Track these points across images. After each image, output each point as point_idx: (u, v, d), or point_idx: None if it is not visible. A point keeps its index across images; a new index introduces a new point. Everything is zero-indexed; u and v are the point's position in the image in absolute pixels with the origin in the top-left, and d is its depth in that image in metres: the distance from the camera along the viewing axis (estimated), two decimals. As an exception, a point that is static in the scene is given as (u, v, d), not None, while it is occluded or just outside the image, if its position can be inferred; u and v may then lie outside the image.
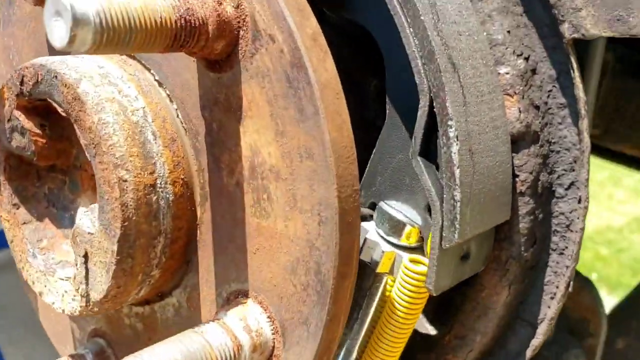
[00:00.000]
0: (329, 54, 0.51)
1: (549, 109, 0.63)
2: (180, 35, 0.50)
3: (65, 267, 0.65)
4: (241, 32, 0.53)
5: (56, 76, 0.59)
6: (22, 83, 0.62)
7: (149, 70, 0.61)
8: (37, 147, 0.64)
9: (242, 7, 0.52)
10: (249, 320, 0.55)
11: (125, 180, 0.55)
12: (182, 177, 0.59)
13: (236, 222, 0.57)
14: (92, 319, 0.74)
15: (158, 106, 0.59)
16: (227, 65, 0.54)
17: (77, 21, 0.43)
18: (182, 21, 0.49)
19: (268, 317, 0.56)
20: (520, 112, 0.61)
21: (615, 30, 0.55)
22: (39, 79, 0.60)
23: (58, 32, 0.44)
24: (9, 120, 0.65)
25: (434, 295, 0.57)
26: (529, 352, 0.67)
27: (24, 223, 0.68)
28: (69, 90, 0.57)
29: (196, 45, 0.51)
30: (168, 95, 0.60)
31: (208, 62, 0.55)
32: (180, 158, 0.59)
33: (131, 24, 0.46)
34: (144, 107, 0.59)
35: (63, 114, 0.59)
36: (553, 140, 0.63)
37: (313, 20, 0.51)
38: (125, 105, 0.58)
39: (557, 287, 0.65)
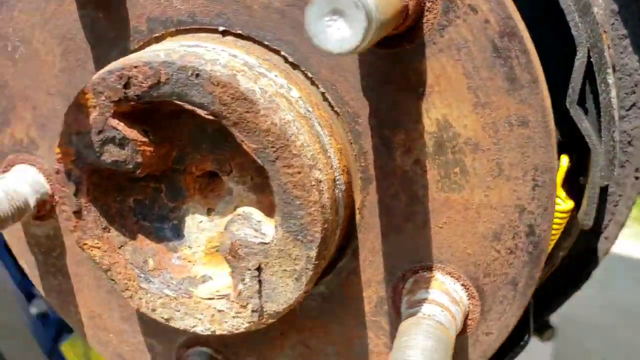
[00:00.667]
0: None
1: (612, 39, 0.69)
2: (404, 16, 0.45)
3: (202, 285, 0.58)
4: (427, 5, 0.49)
5: (197, 74, 0.49)
6: (127, 86, 0.51)
7: (276, 52, 0.55)
8: (145, 158, 0.55)
9: None
10: (451, 292, 0.55)
11: (321, 181, 0.50)
12: (345, 164, 0.55)
13: (415, 200, 0.55)
14: (182, 330, 0.67)
15: (306, 92, 0.54)
16: (404, 41, 0.51)
17: (371, 20, 0.38)
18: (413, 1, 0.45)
19: (462, 284, 0.56)
20: (608, 47, 0.66)
21: None
22: (162, 80, 0.50)
23: (338, 34, 0.38)
24: (100, 132, 0.54)
25: (587, 229, 0.62)
26: (601, 255, 0.76)
27: (121, 247, 0.58)
28: (226, 89, 0.49)
29: (401, 24, 0.47)
30: (309, 79, 0.54)
31: (379, 42, 0.51)
32: (341, 145, 0.55)
33: (391, 14, 0.41)
34: (300, 97, 0.53)
35: (207, 117, 0.51)
36: (617, 68, 0.70)
37: None
38: (289, 98, 0.51)
39: (620, 195, 0.74)
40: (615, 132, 0.58)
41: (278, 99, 0.50)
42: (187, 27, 0.56)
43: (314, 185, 0.50)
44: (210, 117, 0.51)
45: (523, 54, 0.49)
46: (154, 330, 0.69)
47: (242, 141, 0.50)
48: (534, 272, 0.55)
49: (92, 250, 0.59)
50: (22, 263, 0.73)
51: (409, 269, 0.58)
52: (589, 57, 0.56)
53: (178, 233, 0.60)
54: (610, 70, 0.57)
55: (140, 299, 0.59)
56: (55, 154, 0.57)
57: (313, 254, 0.52)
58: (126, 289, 0.59)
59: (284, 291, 0.54)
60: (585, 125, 0.58)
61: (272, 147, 0.50)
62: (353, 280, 0.60)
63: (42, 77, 0.63)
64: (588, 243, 0.77)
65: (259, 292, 0.54)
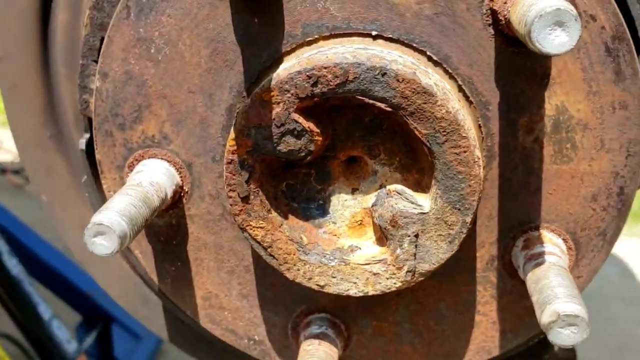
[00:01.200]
0: None
1: None
2: None
3: (355, 252, 0.67)
4: None
5: (384, 72, 0.59)
6: (315, 85, 0.60)
7: (423, 53, 0.65)
8: (317, 146, 0.63)
9: None
10: (560, 245, 0.69)
11: (479, 158, 0.62)
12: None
13: (531, 172, 0.68)
14: (303, 299, 0.75)
15: (446, 83, 0.64)
16: None
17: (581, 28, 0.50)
18: None
19: (563, 239, 0.70)
20: None
21: None
22: (350, 78, 0.59)
23: (558, 40, 0.49)
24: (281, 125, 0.61)
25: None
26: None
27: (280, 225, 0.66)
28: (409, 84, 0.59)
29: None
30: (448, 74, 0.65)
31: (508, 39, 0.63)
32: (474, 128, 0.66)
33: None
34: (448, 88, 0.63)
35: (383, 108, 0.60)
36: None
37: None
38: (450, 89, 0.62)
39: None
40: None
41: (447, 91, 0.61)
42: (341, 32, 0.65)
43: (476, 161, 0.61)
44: (389, 109, 0.60)
45: (628, 53, 0.63)
46: (271, 303, 0.77)
47: (415, 128, 0.61)
48: (621, 223, 0.69)
49: (254, 231, 0.66)
50: (137, 253, 0.77)
51: (519, 230, 0.70)
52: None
53: (323, 211, 0.69)
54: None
55: (299, 270, 0.67)
56: (227, 144, 0.63)
57: (469, 219, 0.63)
58: (285, 262, 0.67)
59: (437, 252, 0.65)
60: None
61: (444, 131, 0.60)
62: (468, 243, 0.71)
63: (184, 76, 0.68)
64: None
65: (415, 255, 0.65)
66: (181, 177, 0.72)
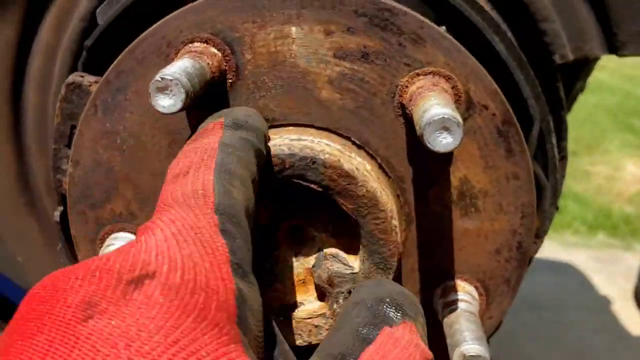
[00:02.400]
0: None
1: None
2: None
3: (300, 308, 0.78)
4: (455, 104, 0.75)
5: (314, 161, 0.71)
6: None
7: (347, 138, 0.77)
8: (264, 220, 0.75)
9: (457, 87, 0.74)
10: (471, 292, 0.81)
11: (396, 226, 0.74)
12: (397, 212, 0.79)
13: (443, 232, 0.80)
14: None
15: (370, 164, 0.77)
16: None
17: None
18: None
19: (475, 286, 0.83)
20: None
21: None
22: (286, 166, 0.71)
23: (445, 142, 0.62)
24: None
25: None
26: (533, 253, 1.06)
27: None
28: (334, 169, 0.71)
29: None
30: (369, 154, 0.77)
31: (414, 126, 0.76)
32: (393, 199, 0.79)
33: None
34: (371, 169, 0.76)
35: (315, 189, 0.72)
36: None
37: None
38: (370, 170, 0.74)
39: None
40: (558, 175, 0.88)
41: (366, 172, 0.73)
42: (279, 124, 0.77)
43: (393, 229, 0.74)
44: (320, 190, 0.72)
45: (516, 134, 0.76)
46: None
47: (342, 204, 0.73)
48: (522, 271, 0.82)
49: None
50: None
51: (437, 281, 0.83)
52: (540, 128, 0.85)
53: (272, 273, 0.80)
54: (552, 134, 0.86)
55: None
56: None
57: (391, 276, 0.75)
58: None
59: None
60: (538, 171, 0.87)
61: (365, 206, 0.72)
62: None
63: (146, 162, 0.80)
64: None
65: None
66: None
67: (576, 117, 9.76)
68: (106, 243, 0.82)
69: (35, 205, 1.10)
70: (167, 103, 0.63)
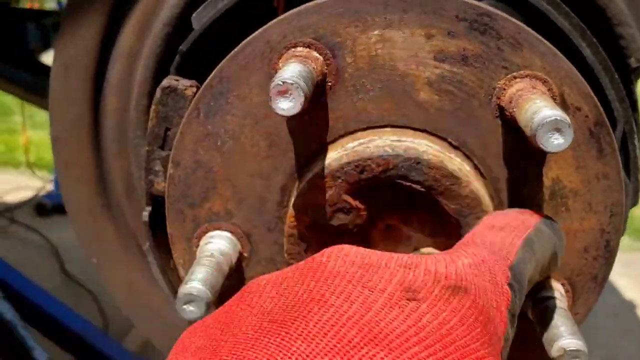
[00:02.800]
0: None
1: None
2: None
3: None
4: None
5: (419, 162, 0.73)
6: (362, 172, 0.74)
7: (444, 139, 0.79)
8: (362, 220, 0.77)
9: (553, 90, 0.76)
10: (560, 290, 0.83)
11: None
12: None
13: None
14: None
15: (465, 164, 0.79)
16: None
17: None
18: None
19: (562, 283, 0.85)
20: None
21: None
22: (390, 167, 0.74)
23: (557, 142, 0.64)
24: (334, 204, 0.75)
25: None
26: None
27: None
28: (438, 170, 0.74)
29: None
30: (466, 155, 0.80)
31: (512, 128, 0.78)
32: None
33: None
34: (467, 169, 0.78)
35: (418, 188, 0.75)
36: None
37: None
38: (469, 169, 0.77)
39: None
40: (639, 174, 0.90)
41: (468, 173, 0.75)
42: (376, 125, 0.79)
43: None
44: (422, 190, 0.75)
45: (607, 135, 0.78)
46: None
47: (445, 204, 0.75)
48: (608, 269, 0.84)
49: None
50: None
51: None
52: (623, 129, 0.87)
53: None
54: (636, 136, 0.89)
55: None
56: (287, 221, 0.77)
57: None
58: None
59: None
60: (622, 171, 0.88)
61: (468, 206, 0.75)
62: None
63: (245, 163, 0.82)
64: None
65: None
66: (242, 245, 0.85)
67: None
68: (203, 241, 0.84)
69: (112, 208, 1.13)
70: (287, 106, 0.66)
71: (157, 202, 0.95)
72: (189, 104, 0.87)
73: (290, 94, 0.66)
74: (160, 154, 0.90)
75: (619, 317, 4.71)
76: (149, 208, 0.97)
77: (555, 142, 0.65)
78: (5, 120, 6.85)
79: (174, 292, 1.01)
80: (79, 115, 1.07)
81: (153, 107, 0.90)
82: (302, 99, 0.66)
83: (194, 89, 0.87)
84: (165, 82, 0.88)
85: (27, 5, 4.72)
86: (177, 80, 0.88)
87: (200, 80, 0.85)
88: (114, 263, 1.15)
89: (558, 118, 0.64)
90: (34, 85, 1.47)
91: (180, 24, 0.98)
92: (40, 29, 3.47)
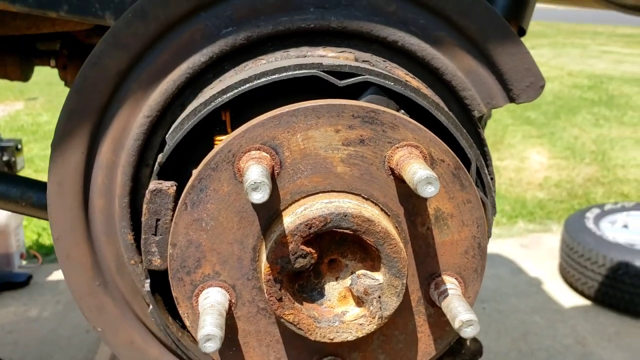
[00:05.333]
0: None
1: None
2: None
3: (346, 315, 1.15)
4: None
5: (346, 215, 1.09)
6: (310, 228, 1.09)
7: (358, 195, 1.15)
8: (314, 260, 1.12)
9: (424, 152, 1.14)
10: (454, 282, 1.21)
11: (402, 248, 1.12)
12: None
13: (429, 245, 1.20)
14: (316, 350, 1.23)
15: (375, 209, 1.15)
16: None
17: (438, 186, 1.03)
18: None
19: (455, 278, 1.22)
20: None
21: None
22: (328, 221, 1.09)
23: (430, 191, 1.02)
24: (294, 253, 1.10)
25: (489, 238, 1.32)
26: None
27: (301, 310, 1.14)
28: (360, 218, 1.09)
29: None
30: (373, 202, 1.16)
31: (401, 180, 1.15)
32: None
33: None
34: (377, 213, 1.14)
35: (348, 232, 1.10)
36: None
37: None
38: (378, 214, 1.13)
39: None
40: (493, 193, 1.30)
41: (381, 217, 1.12)
42: (312, 193, 1.14)
43: (402, 250, 1.12)
44: (350, 232, 1.10)
45: (464, 174, 1.17)
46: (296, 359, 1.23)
47: (367, 239, 1.11)
48: (483, 263, 1.23)
49: (287, 317, 1.13)
50: None
51: (430, 279, 1.22)
52: (476, 165, 1.26)
53: (322, 295, 1.17)
54: (485, 167, 1.28)
55: (317, 333, 1.14)
56: (263, 271, 1.10)
57: (405, 281, 1.13)
58: (308, 331, 1.14)
59: (392, 303, 1.14)
60: (480, 194, 1.28)
61: (382, 238, 1.11)
62: (405, 293, 1.22)
63: (224, 235, 1.15)
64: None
65: (380, 308, 1.14)
66: (229, 294, 1.18)
67: (479, 120, 10.65)
68: (201, 297, 1.16)
69: (108, 285, 1.41)
70: (259, 197, 0.99)
71: (154, 275, 1.26)
72: (172, 199, 1.19)
73: (260, 189, 1.00)
74: (154, 239, 1.22)
75: (528, 295, 5.27)
76: (148, 280, 1.27)
77: (429, 190, 1.02)
78: None
79: (172, 341, 1.31)
80: (73, 218, 1.35)
81: (145, 205, 1.21)
82: (268, 191, 1.00)
83: (174, 188, 1.20)
84: (152, 186, 1.20)
85: None
86: (160, 183, 1.20)
87: (169, 178, 1.18)
88: (115, 330, 1.43)
89: (429, 175, 1.02)
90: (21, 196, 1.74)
91: (147, 138, 1.30)
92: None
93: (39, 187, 1.76)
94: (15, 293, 5.08)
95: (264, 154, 1.11)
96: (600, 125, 10.23)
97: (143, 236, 1.22)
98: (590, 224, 5.34)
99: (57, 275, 5.40)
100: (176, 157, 1.23)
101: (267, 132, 1.12)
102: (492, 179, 1.35)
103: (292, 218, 1.10)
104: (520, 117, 10.79)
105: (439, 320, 1.23)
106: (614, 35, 23.98)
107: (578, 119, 10.65)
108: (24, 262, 5.48)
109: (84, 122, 1.30)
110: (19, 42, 2.63)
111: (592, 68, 15.94)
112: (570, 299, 5.19)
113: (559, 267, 5.61)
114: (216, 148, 1.12)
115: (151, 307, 1.28)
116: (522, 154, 8.92)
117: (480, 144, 1.36)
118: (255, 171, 1.03)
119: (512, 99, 1.37)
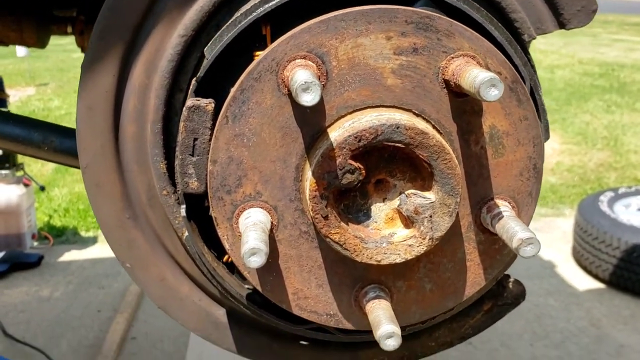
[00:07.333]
0: None
1: None
2: None
3: (394, 236, 1.09)
4: None
5: (397, 126, 1.02)
6: (359, 140, 1.02)
7: (408, 110, 1.09)
8: (363, 177, 1.05)
9: (480, 62, 1.08)
10: (508, 205, 1.14)
11: (457, 164, 1.06)
12: None
13: (482, 166, 1.13)
14: (358, 278, 1.16)
15: (428, 125, 1.09)
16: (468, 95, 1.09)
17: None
18: None
19: (508, 202, 1.16)
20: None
21: None
22: (379, 133, 1.02)
23: (494, 93, 0.95)
24: (342, 168, 1.03)
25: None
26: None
27: (347, 230, 1.07)
28: (413, 130, 1.02)
29: None
30: (424, 118, 1.10)
31: (456, 94, 1.08)
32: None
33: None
34: (430, 128, 1.08)
35: (400, 146, 1.03)
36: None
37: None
38: (431, 128, 1.06)
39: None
40: (547, 117, 1.23)
41: (430, 128, 1.05)
42: (359, 108, 1.08)
43: (456, 166, 1.05)
44: (402, 146, 1.04)
45: (522, 89, 1.10)
46: (338, 286, 1.17)
47: (420, 154, 1.04)
48: (539, 186, 1.16)
49: (333, 236, 1.06)
50: (245, 273, 1.15)
51: (482, 202, 1.15)
52: (530, 85, 1.19)
53: (368, 216, 1.10)
54: (539, 88, 1.22)
55: (363, 254, 1.08)
56: (309, 186, 1.04)
57: (458, 199, 1.07)
58: (354, 251, 1.07)
59: (444, 223, 1.08)
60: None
61: (435, 152, 1.04)
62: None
63: (266, 152, 1.09)
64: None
65: (432, 228, 1.08)
66: (271, 215, 1.11)
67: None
68: (242, 217, 1.10)
69: (138, 218, 1.35)
70: (310, 98, 0.93)
71: (190, 199, 1.20)
72: (211, 117, 1.12)
73: (311, 90, 0.94)
74: (191, 160, 1.15)
75: (542, 278, 5.20)
76: (184, 206, 1.21)
77: (493, 94, 0.96)
78: None
79: (208, 270, 1.25)
80: (103, 144, 1.29)
81: (182, 123, 1.14)
82: (319, 92, 0.94)
83: (213, 105, 1.13)
84: (189, 103, 1.13)
85: None
86: (198, 100, 1.13)
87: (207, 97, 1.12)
88: (145, 266, 1.37)
89: (492, 77, 0.95)
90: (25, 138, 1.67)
91: (181, 60, 1.23)
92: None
93: (62, 131, 1.70)
94: (27, 273, 5.04)
95: (310, 62, 1.05)
96: (612, 112, 10.14)
97: (179, 157, 1.16)
98: (604, 207, 5.27)
99: (69, 256, 5.37)
100: (215, 74, 1.17)
101: (314, 39, 1.05)
102: (542, 104, 1.29)
103: (340, 131, 1.04)
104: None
105: (489, 248, 1.17)
106: (624, 24, 23.89)
107: (589, 105, 10.57)
108: (35, 243, 5.44)
109: (116, 42, 1.23)
110: (35, 8, 2.57)
111: (603, 56, 15.85)
112: (584, 282, 5.12)
113: (572, 250, 5.54)
114: (259, 57, 1.06)
115: (186, 234, 1.22)
116: (533, 141, 8.82)
117: (532, 68, 1.29)
118: (303, 73, 0.96)
119: (562, 24, 1.30)
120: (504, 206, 1.14)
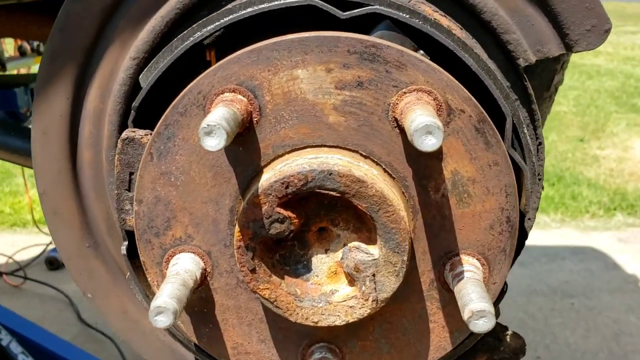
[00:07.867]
0: None
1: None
2: None
3: (335, 295, 0.96)
4: (437, 112, 0.92)
5: (331, 172, 0.89)
6: (287, 187, 0.89)
7: (355, 151, 0.95)
8: (295, 226, 0.93)
9: (438, 99, 0.92)
10: (475, 264, 0.98)
11: (403, 217, 0.91)
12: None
13: (444, 217, 0.97)
14: (305, 335, 1.04)
15: (374, 169, 0.94)
16: None
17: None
18: None
19: (477, 259, 0.99)
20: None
21: None
22: (309, 180, 0.89)
23: (430, 143, 0.80)
24: (269, 217, 0.91)
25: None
26: (528, 231, 1.22)
27: (280, 284, 0.95)
28: (348, 177, 0.89)
29: None
30: (375, 162, 0.95)
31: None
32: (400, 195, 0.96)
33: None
34: (377, 173, 0.93)
35: (334, 194, 0.90)
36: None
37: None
38: (376, 175, 0.92)
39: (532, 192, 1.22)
40: (534, 158, 1.05)
41: (374, 177, 0.91)
42: (298, 147, 0.95)
43: (402, 219, 0.91)
44: (337, 195, 0.90)
45: (491, 129, 0.94)
46: (282, 342, 1.05)
47: (357, 204, 0.90)
48: (514, 241, 0.99)
49: (263, 292, 0.95)
50: (179, 323, 1.05)
51: (445, 258, 1.00)
52: (512, 121, 1.02)
53: (308, 269, 0.98)
54: (524, 126, 1.04)
55: (297, 313, 0.95)
56: (235, 235, 0.93)
57: (405, 258, 0.92)
58: (287, 310, 0.95)
59: (390, 284, 0.93)
60: (517, 157, 1.04)
61: (376, 204, 0.90)
62: (413, 273, 1.00)
63: (197, 193, 0.98)
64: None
65: (375, 288, 0.94)
66: (204, 262, 1.01)
67: (580, 104, 9.97)
68: (171, 263, 1.00)
69: (98, 247, 1.28)
70: (214, 143, 0.81)
71: (132, 236, 1.11)
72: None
73: (215, 134, 0.82)
74: (128, 195, 1.06)
75: (624, 293, 4.82)
76: (125, 242, 1.12)
77: (430, 143, 0.80)
78: (8, 184, 7.05)
79: None
80: (60, 170, 1.22)
81: (117, 156, 1.06)
82: (225, 137, 0.82)
83: (149, 137, 1.03)
84: (124, 135, 1.04)
85: (14, 71, 4.92)
86: (133, 131, 1.04)
87: (149, 128, 1.02)
88: (107, 296, 1.30)
89: (428, 123, 0.80)
90: (23, 150, 1.64)
91: (135, 83, 1.14)
92: (28, 92, 3.68)
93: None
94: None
95: (240, 97, 0.93)
96: None
97: (115, 192, 1.07)
98: (701, 219, 4.81)
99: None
100: (157, 102, 1.07)
101: (244, 70, 0.93)
102: (540, 143, 1.10)
103: (269, 174, 0.92)
104: (626, 104, 9.99)
105: (456, 309, 1.01)
106: None
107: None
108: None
109: (68, 64, 1.16)
110: (40, 2, 2.59)
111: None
112: (670, 299, 4.71)
113: (660, 264, 5.11)
114: (184, 90, 0.95)
115: (128, 274, 1.13)
116: (625, 143, 8.25)
117: (527, 100, 1.11)
118: (215, 113, 0.85)
119: (568, 46, 1.11)
120: (469, 264, 0.98)
